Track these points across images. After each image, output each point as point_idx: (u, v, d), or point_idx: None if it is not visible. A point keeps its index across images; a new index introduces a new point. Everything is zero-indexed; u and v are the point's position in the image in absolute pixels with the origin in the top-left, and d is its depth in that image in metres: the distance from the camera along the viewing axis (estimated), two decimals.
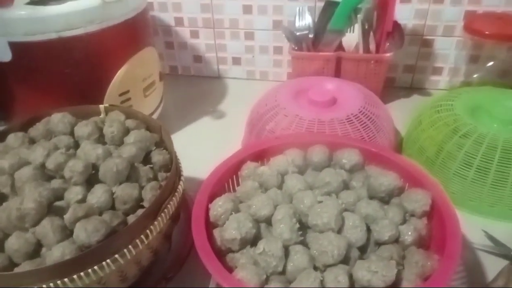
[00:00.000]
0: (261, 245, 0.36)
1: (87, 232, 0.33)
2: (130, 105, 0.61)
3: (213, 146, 0.66)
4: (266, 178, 0.44)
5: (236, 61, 0.85)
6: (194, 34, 0.83)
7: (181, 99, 0.80)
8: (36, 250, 0.35)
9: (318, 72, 0.73)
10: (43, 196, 0.35)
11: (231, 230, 0.38)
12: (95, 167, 0.40)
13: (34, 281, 0.32)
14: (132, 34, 0.61)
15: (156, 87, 0.68)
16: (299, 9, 0.74)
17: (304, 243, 0.38)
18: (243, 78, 0.87)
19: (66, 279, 0.32)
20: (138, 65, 0.62)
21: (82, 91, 0.57)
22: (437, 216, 0.39)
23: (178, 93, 0.82)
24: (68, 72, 0.55)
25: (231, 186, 0.47)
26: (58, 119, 0.44)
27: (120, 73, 0.59)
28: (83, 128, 0.44)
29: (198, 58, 0.86)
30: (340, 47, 0.72)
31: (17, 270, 0.33)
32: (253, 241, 0.38)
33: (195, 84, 0.86)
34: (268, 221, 0.40)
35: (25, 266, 0.34)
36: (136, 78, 0.62)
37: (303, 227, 0.39)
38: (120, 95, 0.60)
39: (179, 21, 0.82)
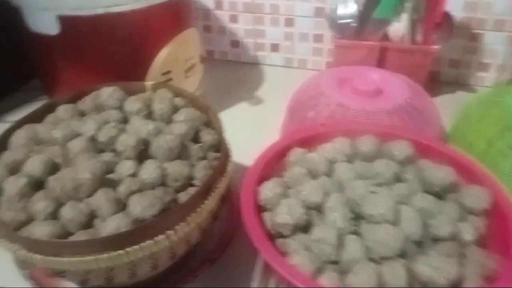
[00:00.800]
0: (316, 232, 0.35)
1: (142, 207, 0.33)
2: None
3: (251, 131, 0.65)
4: (315, 165, 0.43)
5: (275, 47, 0.83)
6: (233, 19, 0.82)
7: (217, 84, 0.80)
8: (89, 221, 0.35)
9: (360, 61, 0.71)
10: (97, 167, 0.35)
11: (283, 215, 0.37)
12: (145, 143, 0.39)
13: (89, 251, 0.32)
14: (176, 14, 0.60)
15: (197, 69, 0.67)
16: None
17: (357, 233, 0.37)
18: (281, 65, 0.85)
19: (120, 251, 0.32)
20: (181, 46, 0.61)
21: (125, 69, 0.57)
22: (498, 215, 0.37)
23: (215, 78, 0.81)
24: (113, 49, 0.55)
25: (276, 172, 0.46)
26: (108, 93, 0.44)
27: (163, 52, 0.58)
28: (133, 104, 0.43)
29: (236, 43, 0.85)
30: (384, 37, 0.70)
31: (71, 239, 0.33)
32: (304, 227, 0.38)
33: (232, 69, 0.85)
34: (318, 208, 0.39)
35: (79, 236, 0.34)
36: (178, 58, 0.61)
37: (355, 217, 0.38)
38: (163, 74, 0.60)
39: (219, 5, 0.81)
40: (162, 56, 0.58)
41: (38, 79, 0.78)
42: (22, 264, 0.43)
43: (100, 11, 0.51)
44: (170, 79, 0.61)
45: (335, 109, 0.57)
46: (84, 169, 0.34)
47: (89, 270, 0.33)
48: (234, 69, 0.86)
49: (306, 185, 0.41)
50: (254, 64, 0.87)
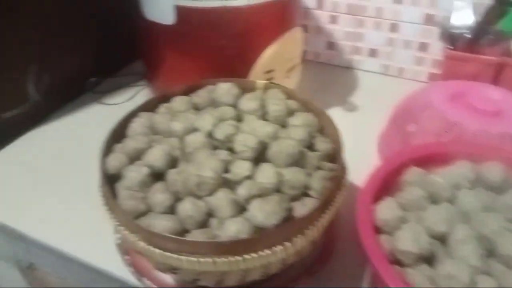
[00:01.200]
0: (446, 267, 0.32)
1: (265, 213, 0.32)
2: None
3: (345, 139, 0.62)
4: (438, 190, 0.39)
5: (373, 53, 0.79)
6: (333, 19, 0.79)
7: (309, 86, 0.77)
8: (206, 220, 0.34)
9: (473, 77, 0.65)
10: (219, 167, 0.34)
11: (406, 242, 0.34)
12: (263, 145, 0.38)
13: (207, 252, 0.31)
14: (286, 11, 0.59)
15: (297, 70, 0.65)
16: (458, 4, 0.66)
17: (489, 275, 0.33)
18: (376, 72, 0.81)
19: (238, 257, 0.31)
20: (287, 44, 0.59)
21: (231, 65, 0.56)
22: None
23: (307, 80, 0.79)
24: (223, 44, 0.54)
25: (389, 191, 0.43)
26: (225, 89, 0.43)
27: (269, 51, 0.57)
28: (249, 103, 0.42)
29: (331, 45, 0.82)
30: (505, 52, 0.64)
31: (189, 237, 0.33)
32: (427, 258, 0.34)
33: (324, 72, 0.82)
34: (442, 239, 0.36)
35: (196, 234, 0.33)
36: (282, 57, 0.60)
37: (487, 255, 0.34)
38: (265, 73, 0.58)
39: (320, 4, 0.78)
40: (268, 54, 0.57)
41: (137, 64, 0.81)
42: (124, 250, 0.44)
43: (218, 4, 0.50)
44: (272, 78, 0.59)
45: (447, 127, 0.52)
46: (207, 166, 0.33)
47: (203, 271, 0.33)
48: (326, 71, 0.83)
49: (430, 211, 0.37)
50: (347, 68, 0.83)
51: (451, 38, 0.68)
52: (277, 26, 0.57)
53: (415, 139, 0.56)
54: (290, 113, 0.42)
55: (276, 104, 0.42)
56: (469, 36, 0.66)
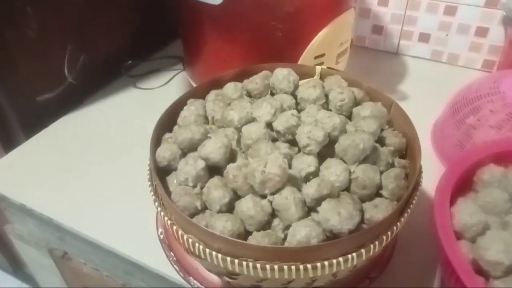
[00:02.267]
0: None
1: (339, 217, 0.28)
2: None
3: None
4: None
5: (424, 37, 0.74)
6: (383, 2, 0.73)
7: (354, 72, 0.72)
8: (269, 221, 0.30)
9: None
10: (285, 162, 0.30)
11: (496, 252, 0.30)
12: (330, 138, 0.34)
13: (273, 258, 0.28)
14: None
15: (347, 54, 0.60)
16: None
17: None
18: (426, 58, 0.76)
19: (307, 265, 0.27)
20: (339, 28, 0.55)
21: (281, 48, 0.52)
22: None
23: (351, 65, 0.74)
24: (274, 25, 0.50)
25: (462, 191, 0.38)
26: (283, 75, 0.39)
27: (321, 33, 0.52)
28: (310, 90, 0.38)
29: (378, 29, 0.76)
30: None
31: (252, 240, 0.29)
32: None
33: (369, 57, 0.77)
34: None
35: (259, 238, 0.29)
36: (334, 41, 0.55)
37: None
38: (316, 57, 0.54)
39: None
40: (320, 37, 0.52)
41: (172, 47, 0.77)
42: (168, 246, 0.41)
43: None
44: (322, 63, 0.55)
45: None
46: (273, 162, 0.30)
47: (267, 278, 0.29)
48: (372, 57, 0.77)
49: None
50: (394, 54, 0.78)
51: None
52: (332, 7, 0.53)
53: (475, 132, 0.51)
54: (356, 102, 0.38)
55: (340, 92, 0.37)
56: None
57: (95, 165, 0.53)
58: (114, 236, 0.44)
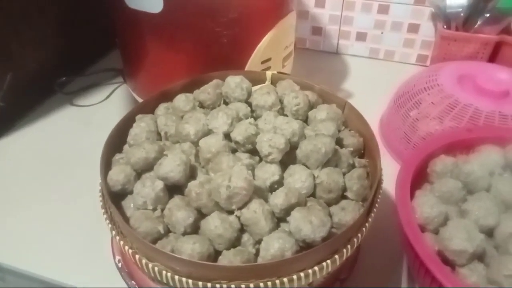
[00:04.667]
0: (508, 265, 0.29)
1: (313, 226, 0.27)
2: None
3: None
4: (475, 179, 0.37)
5: (361, 36, 0.76)
6: (320, 3, 0.75)
7: (296, 74, 0.73)
8: (237, 237, 0.29)
9: (470, 57, 0.64)
10: (250, 174, 0.29)
11: (459, 241, 0.31)
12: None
13: (248, 276, 0.27)
14: None
15: (291, 57, 0.61)
16: None
17: None
18: (365, 56, 0.78)
19: (284, 279, 0.26)
20: (283, 31, 0.55)
21: (227, 54, 0.51)
22: None
23: (294, 67, 0.75)
24: (217, 32, 0.49)
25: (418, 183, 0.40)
26: (236, 83, 0.37)
27: (266, 38, 0.52)
28: (265, 97, 0.37)
29: (317, 30, 0.78)
30: (504, 30, 0.62)
31: (224, 260, 0.28)
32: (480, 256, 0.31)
33: (310, 58, 0.78)
34: (490, 233, 0.33)
35: (231, 257, 0.28)
36: (279, 45, 0.55)
37: None
38: (262, 62, 0.53)
39: None
40: (266, 41, 0.52)
41: (108, 60, 0.73)
42: (130, 275, 0.38)
43: None
44: (269, 68, 0.55)
45: (463, 109, 0.50)
46: (239, 176, 0.28)
47: None
48: (313, 58, 0.79)
49: (474, 204, 0.34)
50: (334, 54, 0.80)
51: (445, 17, 0.65)
52: (274, 11, 0.52)
53: (419, 125, 0.53)
54: (311, 105, 0.38)
55: (295, 96, 0.37)
56: (462, 15, 0.65)
57: (34, 194, 0.48)
58: (66, 271, 0.40)
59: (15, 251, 0.42)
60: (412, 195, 0.37)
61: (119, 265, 0.39)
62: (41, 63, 0.61)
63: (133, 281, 0.38)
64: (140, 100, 0.58)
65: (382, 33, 0.75)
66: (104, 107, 0.64)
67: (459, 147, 0.42)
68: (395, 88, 0.59)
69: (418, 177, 0.40)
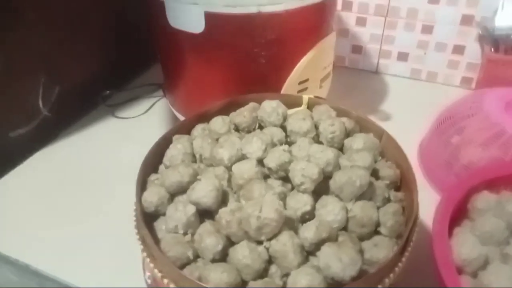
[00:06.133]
0: None
1: (342, 264, 0.27)
2: None
3: None
4: None
5: (403, 56, 0.74)
6: (361, 21, 0.74)
7: (334, 93, 0.72)
8: (265, 268, 0.29)
9: None
10: (281, 205, 0.29)
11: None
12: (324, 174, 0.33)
13: None
14: (324, 15, 0.53)
15: (329, 78, 0.60)
16: (502, 3, 0.62)
17: None
18: (406, 76, 0.76)
19: None
20: (322, 52, 0.54)
21: (264, 75, 0.51)
22: None
23: (332, 85, 0.74)
24: (256, 52, 0.49)
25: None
26: (272, 108, 0.37)
27: (305, 58, 0.52)
28: (300, 123, 0.37)
29: (357, 49, 0.77)
30: None
31: None
32: None
33: (349, 77, 0.77)
34: None
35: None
36: (317, 66, 0.55)
37: None
38: (300, 83, 0.53)
39: (347, 5, 0.73)
40: (304, 62, 0.52)
41: (150, 73, 0.75)
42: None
43: (253, 9, 0.45)
44: (305, 89, 0.54)
45: (503, 139, 0.48)
46: (270, 206, 0.28)
47: None
48: (351, 76, 0.77)
49: None
50: (374, 73, 0.78)
51: (493, 40, 0.63)
52: (314, 31, 0.52)
53: (462, 152, 0.51)
54: (347, 133, 0.37)
55: (331, 124, 0.36)
56: None
57: (73, 204, 0.50)
58: (97, 282, 0.41)
59: (52, 258, 0.43)
60: (450, 232, 0.36)
61: (149, 281, 0.40)
62: (87, 76, 0.64)
63: None
64: (178, 114, 0.60)
65: (425, 53, 0.72)
66: (144, 119, 0.66)
67: (505, 182, 0.40)
68: (436, 112, 0.57)
69: (458, 213, 0.38)
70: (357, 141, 0.36)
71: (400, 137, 0.56)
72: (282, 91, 0.52)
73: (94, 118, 0.65)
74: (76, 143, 0.60)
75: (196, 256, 0.30)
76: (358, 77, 0.78)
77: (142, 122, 0.65)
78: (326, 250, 0.27)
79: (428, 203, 0.37)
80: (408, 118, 0.63)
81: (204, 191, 0.30)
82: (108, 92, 0.65)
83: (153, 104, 0.68)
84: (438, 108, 0.57)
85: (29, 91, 0.56)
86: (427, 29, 0.70)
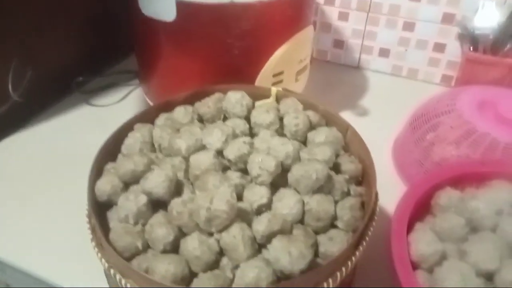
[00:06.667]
0: None
1: (290, 257, 0.26)
2: None
3: None
4: (480, 217, 0.35)
5: (384, 52, 0.74)
6: (343, 16, 0.73)
7: (314, 87, 0.71)
8: (216, 260, 0.28)
9: (496, 81, 0.61)
10: (234, 197, 0.28)
11: (453, 284, 0.29)
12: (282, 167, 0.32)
13: None
14: (300, 9, 0.53)
15: (306, 71, 0.59)
16: (482, 3, 0.61)
17: None
18: (387, 72, 0.76)
19: None
20: (298, 45, 0.54)
21: (237, 66, 0.50)
22: None
23: (312, 80, 0.73)
24: (229, 43, 0.48)
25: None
26: (236, 99, 0.37)
27: (280, 51, 0.51)
28: (264, 116, 0.36)
29: (339, 44, 0.76)
30: None
31: (197, 283, 0.27)
32: None
33: (330, 71, 0.77)
34: (489, 277, 0.31)
35: (205, 281, 0.27)
36: (293, 59, 0.54)
37: None
38: (274, 76, 0.52)
39: (329, 0, 0.72)
40: (279, 55, 0.51)
41: (127, 62, 0.74)
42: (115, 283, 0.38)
43: (226, 0, 0.44)
44: (280, 81, 0.54)
45: (475, 137, 0.47)
46: (220, 197, 0.28)
47: None
48: (332, 71, 0.77)
49: (475, 245, 0.32)
50: (355, 68, 0.78)
51: (472, 39, 0.62)
52: (290, 24, 0.51)
53: (435, 149, 0.51)
54: (312, 126, 0.37)
55: (295, 117, 0.36)
56: (491, 37, 0.62)
57: (41, 192, 0.49)
58: (58, 271, 0.40)
59: (13, 245, 0.43)
60: (412, 228, 0.36)
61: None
62: (61, 62, 0.63)
63: None
64: (152, 104, 0.59)
65: (406, 50, 0.72)
66: (119, 108, 0.65)
67: (470, 179, 0.40)
68: (414, 109, 0.57)
69: (423, 209, 0.38)
70: (320, 135, 0.35)
71: (376, 133, 0.56)
72: (256, 83, 0.51)
73: (68, 105, 0.64)
74: (48, 129, 0.59)
75: (147, 247, 0.29)
76: (339, 71, 0.77)
77: (116, 110, 0.64)
78: (276, 244, 0.27)
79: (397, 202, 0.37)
80: (387, 114, 0.63)
81: (156, 181, 0.30)
82: (81, 78, 0.64)
83: (129, 92, 0.67)
84: (417, 105, 0.56)
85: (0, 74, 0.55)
86: (409, 26, 0.70)
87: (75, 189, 0.48)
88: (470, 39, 0.63)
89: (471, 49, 0.62)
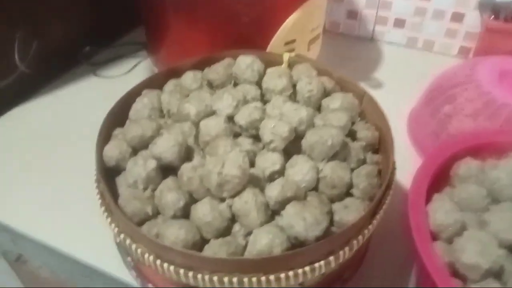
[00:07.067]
0: None
1: (305, 223, 0.25)
2: None
3: None
4: (500, 187, 0.33)
5: (399, 23, 0.71)
6: None
7: (327, 59, 0.69)
8: (228, 226, 0.27)
9: None
10: (246, 162, 0.27)
11: (472, 254, 0.28)
12: (296, 133, 0.31)
13: (232, 270, 0.25)
14: None
15: (319, 41, 0.57)
16: None
17: None
18: (401, 44, 0.73)
19: (271, 277, 0.25)
20: (310, 12, 0.51)
21: (247, 34, 0.49)
22: None
23: (325, 52, 0.71)
24: (239, 9, 0.46)
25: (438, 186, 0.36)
26: (247, 64, 0.35)
27: (292, 18, 0.49)
28: (276, 81, 0.35)
29: (353, 14, 0.73)
30: None
31: (208, 250, 0.26)
32: (496, 272, 0.28)
33: (343, 43, 0.74)
34: (511, 248, 0.30)
35: (216, 246, 0.26)
36: (305, 27, 0.52)
37: None
38: (286, 44, 0.51)
39: None
40: (290, 22, 0.49)
41: (136, 33, 0.72)
42: (126, 251, 0.37)
43: None
44: (292, 50, 0.52)
45: (493, 109, 0.46)
46: (231, 162, 0.26)
47: None
48: (346, 43, 0.75)
49: (496, 215, 0.31)
50: (369, 40, 0.75)
51: (493, 7, 0.60)
52: None
53: (451, 122, 0.49)
54: (326, 93, 0.35)
55: (308, 82, 0.34)
56: None
57: (49, 163, 0.48)
58: (69, 240, 0.40)
59: (25, 215, 0.42)
60: (430, 199, 0.34)
61: (118, 240, 0.39)
62: (68, 32, 0.61)
63: (129, 258, 0.37)
64: None
65: (422, 21, 0.69)
66: (126, 79, 0.63)
67: (490, 150, 0.38)
68: (430, 81, 0.55)
69: (441, 179, 0.37)
70: (335, 101, 0.34)
71: (391, 105, 0.54)
72: (268, 51, 0.49)
73: (75, 76, 0.63)
74: (55, 100, 0.58)
75: (157, 213, 0.29)
76: (352, 44, 0.75)
77: (124, 82, 0.62)
78: (290, 210, 0.26)
79: (413, 172, 0.35)
80: (401, 87, 0.60)
81: (165, 146, 0.29)
82: (88, 48, 0.62)
83: (137, 64, 0.66)
84: (433, 77, 0.54)
85: (6, 45, 0.54)
86: None
87: (83, 158, 0.48)
88: (491, 7, 0.60)
89: (492, 18, 0.60)
